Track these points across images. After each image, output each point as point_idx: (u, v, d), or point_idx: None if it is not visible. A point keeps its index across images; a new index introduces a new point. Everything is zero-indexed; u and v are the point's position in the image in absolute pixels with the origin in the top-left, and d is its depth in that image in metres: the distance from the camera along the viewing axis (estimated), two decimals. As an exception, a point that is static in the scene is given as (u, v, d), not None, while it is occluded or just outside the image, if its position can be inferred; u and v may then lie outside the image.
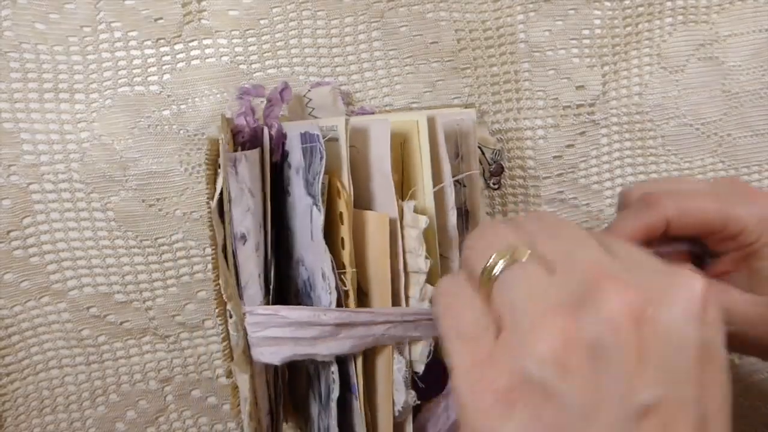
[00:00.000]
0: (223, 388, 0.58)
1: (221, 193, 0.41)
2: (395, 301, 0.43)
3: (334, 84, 0.52)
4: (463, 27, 0.54)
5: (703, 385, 0.27)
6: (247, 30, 0.52)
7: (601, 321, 0.26)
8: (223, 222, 0.41)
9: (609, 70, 0.56)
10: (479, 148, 0.48)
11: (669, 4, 0.56)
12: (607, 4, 0.55)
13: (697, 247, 0.47)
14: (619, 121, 0.57)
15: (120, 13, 0.51)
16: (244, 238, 0.42)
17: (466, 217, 0.48)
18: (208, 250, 0.54)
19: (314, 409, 0.47)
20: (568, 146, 0.57)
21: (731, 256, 0.46)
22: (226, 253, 0.41)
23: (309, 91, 0.52)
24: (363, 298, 0.44)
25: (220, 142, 0.41)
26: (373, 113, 0.52)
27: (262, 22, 0.52)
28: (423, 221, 0.42)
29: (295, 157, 0.43)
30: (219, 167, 0.42)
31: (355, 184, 0.43)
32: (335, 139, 0.42)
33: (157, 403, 0.58)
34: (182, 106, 0.52)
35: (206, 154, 0.42)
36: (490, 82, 0.55)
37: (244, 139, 0.44)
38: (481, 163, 0.48)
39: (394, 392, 0.43)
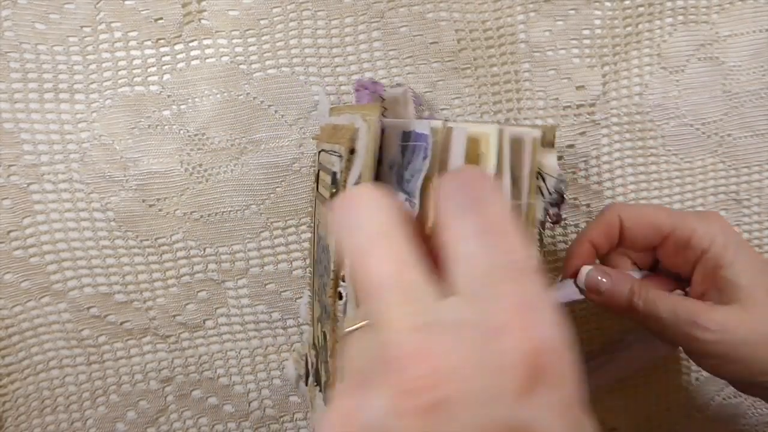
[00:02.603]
0: (224, 388, 0.57)
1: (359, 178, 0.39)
2: None
3: (406, 88, 0.51)
4: (463, 27, 0.54)
5: None
6: (247, 30, 0.52)
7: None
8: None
9: (609, 70, 0.56)
10: (539, 174, 0.44)
11: (669, 4, 0.55)
12: (608, 4, 0.55)
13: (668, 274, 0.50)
14: (620, 121, 0.57)
15: (120, 14, 0.51)
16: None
17: None
18: (209, 250, 0.54)
19: None
20: (569, 146, 0.56)
21: (699, 273, 0.48)
22: None
23: (384, 91, 0.51)
24: None
25: (369, 125, 0.38)
26: (439, 120, 0.51)
27: (262, 22, 0.52)
28: None
29: (391, 152, 0.42)
30: (354, 152, 0.39)
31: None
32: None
33: (157, 404, 0.57)
34: (182, 106, 0.52)
35: (349, 141, 0.39)
36: (491, 82, 0.55)
37: None
38: (541, 192, 0.44)
39: None
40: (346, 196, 0.29)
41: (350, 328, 0.27)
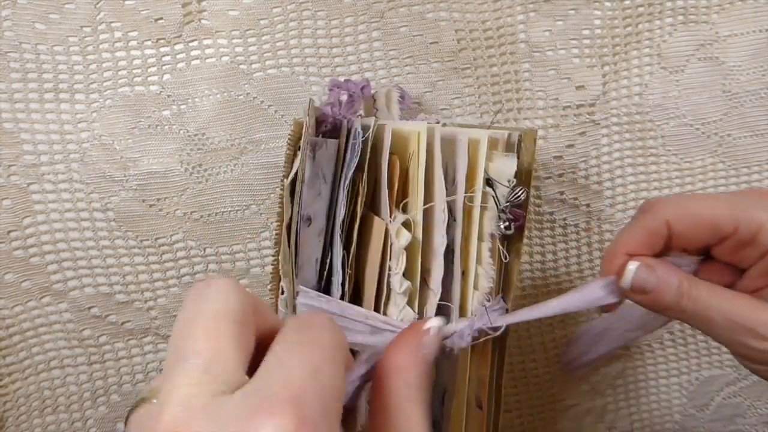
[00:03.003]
0: None
1: (296, 174, 0.40)
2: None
3: (391, 86, 0.51)
4: (463, 27, 0.53)
5: None
6: (247, 30, 0.51)
7: None
8: (292, 201, 0.40)
9: (609, 70, 0.55)
10: (488, 180, 0.42)
11: (669, 4, 0.55)
12: (607, 4, 0.54)
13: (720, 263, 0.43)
14: (620, 121, 0.56)
15: (120, 14, 0.50)
16: (309, 220, 0.41)
17: (449, 256, 0.42)
18: (209, 250, 0.54)
19: None
20: (569, 146, 0.56)
21: (759, 268, 0.41)
22: (290, 232, 0.40)
23: (375, 92, 0.51)
24: (358, 301, 0.42)
25: (305, 125, 0.40)
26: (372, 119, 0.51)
27: (262, 22, 0.51)
28: (405, 237, 0.40)
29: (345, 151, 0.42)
30: (299, 149, 0.41)
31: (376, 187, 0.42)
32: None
33: None
34: (182, 106, 0.51)
35: (289, 135, 0.41)
36: (490, 83, 0.54)
37: (326, 129, 0.43)
38: (495, 200, 0.42)
39: None
40: (206, 281, 0.29)
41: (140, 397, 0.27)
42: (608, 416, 0.62)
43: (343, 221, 0.41)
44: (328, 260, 0.42)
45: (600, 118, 0.56)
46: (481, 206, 0.41)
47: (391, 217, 0.40)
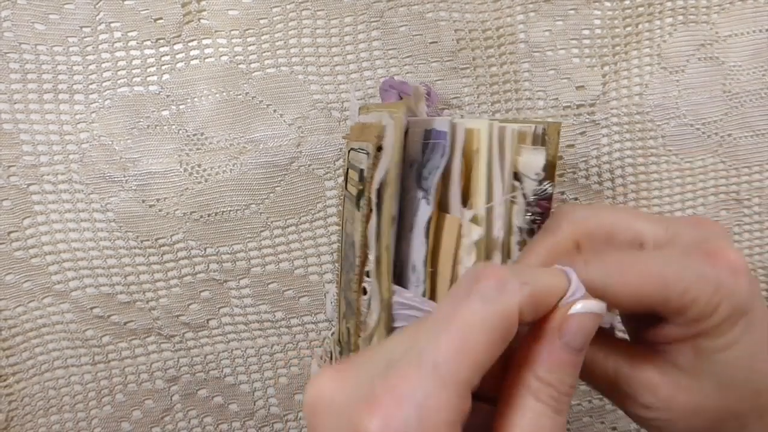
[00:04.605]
0: (230, 387, 0.56)
1: (385, 174, 0.37)
2: None
3: (419, 84, 0.49)
4: (462, 27, 0.51)
5: None
6: (247, 30, 0.50)
7: None
8: (380, 204, 0.37)
9: (609, 70, 0.53)
10: (515, 174, 0.40)
11: (669, 4, 0.53)
12: (607, 4, 0.53)
13: None
14: (620, 121, 0.54)
15: (119, 14, 0.49)
16: (395, 219, 0.39)
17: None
18: (209, 250, 0.52)
19: None
20: (569, 146, 0.54)
21: (677, 327, 0.32)
22: (379, 234, 0.38)
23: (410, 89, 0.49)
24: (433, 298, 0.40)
25: (396, 122, 0.37)
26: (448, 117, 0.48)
27: (261, 21, 0.50)
28: (476, 233, 0.38)
29: (413, 150, 0.40)
30: (379, 149, 0.38)
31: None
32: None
33: (163, 403, 0.55)
34: (181, 106, 0.50)
35: (376, 136, 0.37)
36: (489, 83, 0.53)
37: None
38: (523, 195, 0.40)
39: None
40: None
41: None
42: (608, 416, 0.60)
43: (429, 219, 0.38)
44: (404, 257, 0.40)
45: (600, 118, 0.54)
46: (511, 200, 0.40)
47: (461, 213, 0.39)
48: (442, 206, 0.40)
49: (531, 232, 0.41)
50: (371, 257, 0.38)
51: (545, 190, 0.40)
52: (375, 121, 0.39)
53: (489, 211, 0.39)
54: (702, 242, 0.32)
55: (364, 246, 0.38)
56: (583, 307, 0.28)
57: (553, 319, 0.28)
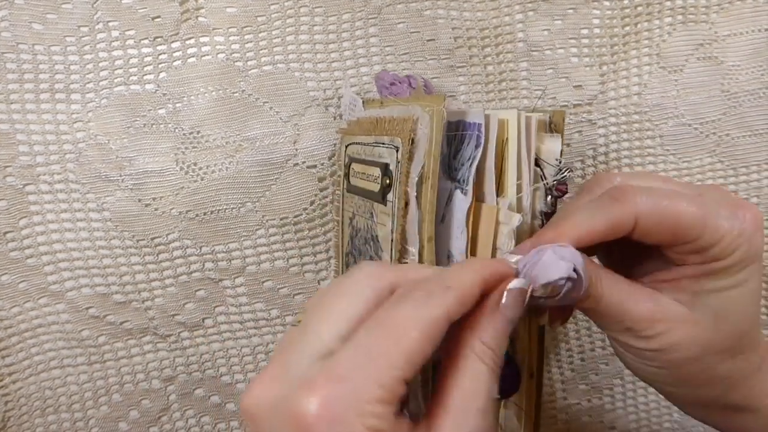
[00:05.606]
0: (226, 386, 0.55)
1: (423, 167, 0.37)
2: None
3: (415, 77, 0.49)
4: (460, 25, 0.51)
5: None
6: (245, 27, 0.49)
7: None
8: (420, 196, 0.37)
9: (608, 69, 0.53)
10: (537, 160, 0.40)
11: (668, 3, 0.52)
12: (606, 3, 0.52)
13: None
14: (618, 120, 0.54)
15: (117, 13, 0.48)
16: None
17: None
18: (205, 249, 0.51)
19: None
20: (566, 145, 0.53)
21: (688, 270, 0.35)
22: (421, 228, 0.38)
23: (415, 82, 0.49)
24: None
25: (435, 115, 0.36)
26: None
27: (259, 18, 0.49)
28: (516, 219, 0.38)
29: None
30: (414, 142, 0.38)
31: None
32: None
33: (160, 403, 0.54)
34: (177, 105, 0.49)
35: (411, 130, 0.37)
36: (484, 81, 0.52)
37: None
38: (543, 180, 0.40)
39: None
40: None
41: None
42: (608, 416, 0.59)
43: (468, 209, 0.38)
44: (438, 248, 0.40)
45: (597, 117, 0.53)
46: (534, 187, 0.40)
47: (497, 202, 0.39)
48: (480, 198, 0.40)
49: (548, 216, 0.41)
50: (413, 249, 0.38)
51: (564, 175, 0.41)
52: (403, 115, 0.38)
53: (519, 198, 0.39)
54: (728, 197, 0.36)
55: (402, 239, 0.38)
56: (514, 283, 0.31)
57: (495, 297, 0.31)
